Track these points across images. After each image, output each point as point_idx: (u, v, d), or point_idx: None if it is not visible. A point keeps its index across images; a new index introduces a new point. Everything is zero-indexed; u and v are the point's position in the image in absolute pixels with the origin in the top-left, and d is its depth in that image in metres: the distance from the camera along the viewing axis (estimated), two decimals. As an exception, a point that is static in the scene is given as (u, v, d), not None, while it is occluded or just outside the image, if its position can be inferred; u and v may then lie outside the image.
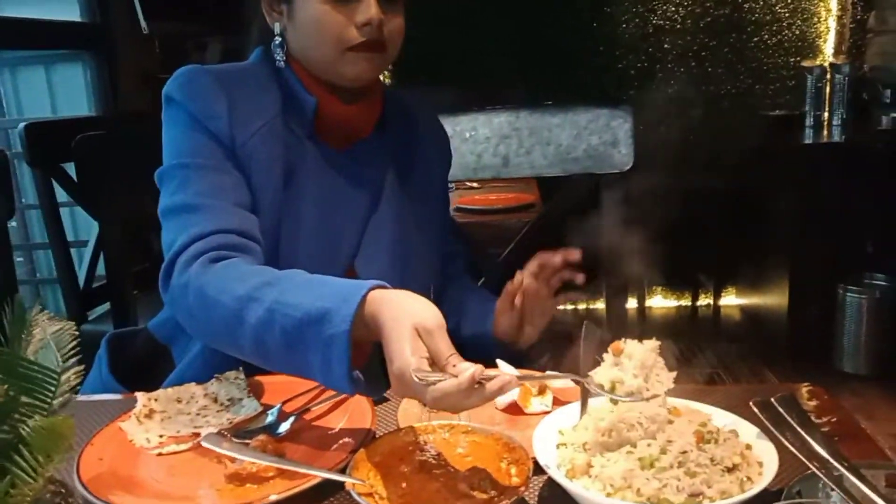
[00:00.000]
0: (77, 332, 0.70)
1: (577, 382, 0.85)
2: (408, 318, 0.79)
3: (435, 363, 0.76)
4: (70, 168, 2.10)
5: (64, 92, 3.43)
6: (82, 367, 0.68)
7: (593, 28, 3.91)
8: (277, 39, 1.15)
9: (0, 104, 3.52)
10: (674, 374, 0.82)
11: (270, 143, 1.12)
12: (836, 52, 3.81)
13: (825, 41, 3.83)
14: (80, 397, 1.12)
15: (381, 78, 1.24)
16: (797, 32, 3.83)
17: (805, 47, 3.85)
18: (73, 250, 2.15)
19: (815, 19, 3.82)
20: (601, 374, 0.82)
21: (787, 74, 3.86)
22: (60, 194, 2.09)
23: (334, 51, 1.09)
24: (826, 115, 3.60)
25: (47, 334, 0.68)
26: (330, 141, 1.19)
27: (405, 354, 0.76)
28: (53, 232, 2.08)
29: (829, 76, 3.58)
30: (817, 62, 3.77)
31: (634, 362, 0.81)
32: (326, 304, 0.84)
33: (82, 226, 3.08)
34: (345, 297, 0.84)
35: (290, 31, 1.14)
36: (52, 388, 0.63)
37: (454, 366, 0.75)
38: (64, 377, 0.65)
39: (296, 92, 1.15)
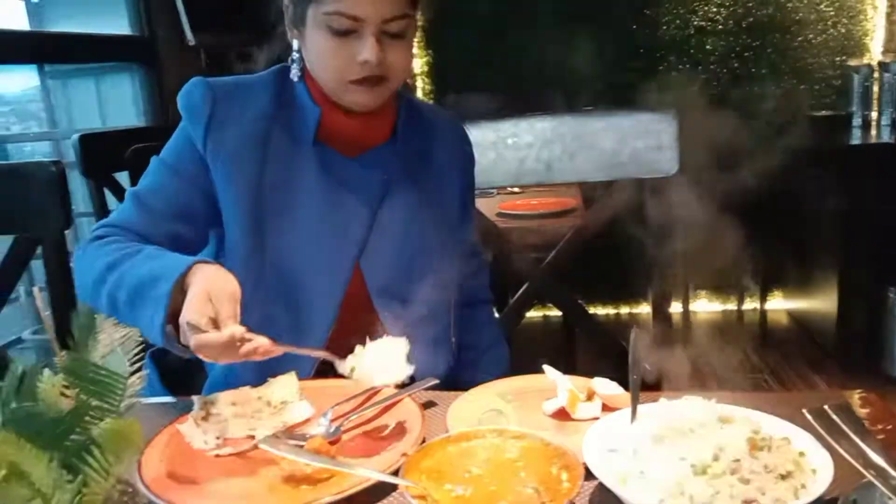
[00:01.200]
0: (141, 339, 0.73)
1: (331, 361, 1.05)
2: (205, 283, 0.98)
3: (216, 323, 0.94)
4: (120, 178, 2.17)
5: (113, 103, 3.53)
6: (147, 371, 0.71)
7: (633, 31, 3.89)
8: (296, 55, 1.22)
9: (52, 116, 3.64)
10: (411, 368, 1.03)
11: (247, 145, 1.20)
12: (885, 50, 3.72)
13: (872, 39, 3.75)
14: (154, 399, 1.17)
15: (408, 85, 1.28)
16: (843, 31, 3.76)
17: (851, 46, 3.77)
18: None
19: (862, 17, 3.74)
20: (348, 360, 1.03)
21: (833, 74, 3.78)
22: (110, 203, 2.16)
23: (336, 82, 1.17)
24: (874, 114, 3.52)
25: (113, 340, 0.71)
26: (338, 147, 1.24)
27: (189, 309, 0.95)
28: (106, 239, 2.15)
29: (876, 75, 3.51)
30: (864, 61, 3.68)
31: (374, 354, 1.03)
32: (159, 271, 1.02)
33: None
34: (174, 267, 1.01)
35: (304, 51, 1.21)
36: (120, 392, 0.66)
37: (225, 325, 0.94)
38: (129, 381, 0.68)
39: (302, 102, 1.23)
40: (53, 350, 0.66)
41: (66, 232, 1.50)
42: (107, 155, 2.13)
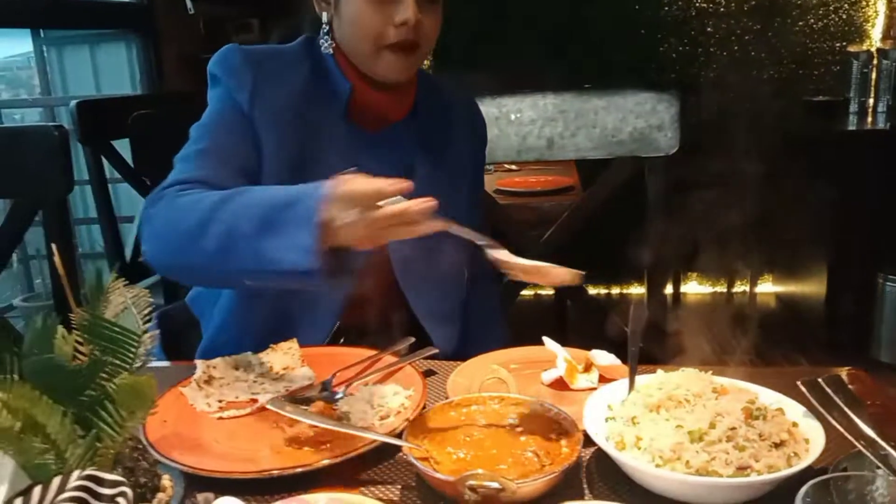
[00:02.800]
0: (151, 299, 0.75)
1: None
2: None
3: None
4: (118, 145, 2.16)
5: (108, 71, 3.50)
6: (158, 331, 0.72)
7: (635, 11, 3.88)
8: (325, 28, 1.21)
9: (47, 82, 3.61)
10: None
11: (288, 115, 1.18)
12: (884, 37, 3.73)
13: (872, 25, 3.75)
14: (154, 363, 1.18)
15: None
16: (843, 17, 3.76)
17: (851, 31, 3.77)
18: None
19: (863, 3, 3.74)
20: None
21: (833, 59, 3.79)
22: (108, 171, 2.15)
23: (371, 48, 1.15)
24: (871, 101, 3.53)
25: (126, 299, 0.72)
26: (362, 123, 1.24)
27: (361, 182, 0.89)
28: (103, 207, 2.14)
29: (875, 61, 3.51)
30: (864, 47, 3.69)
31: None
32: (294, 194, 0.94)
33: (124, 203, 3.16)
34: (310, 188, 0.93)
35: (335, 23, 1.20)
36: (134, 349, 0.67)
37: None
38: (142, 339, 0.69)
39: (333, 76, 1.21)
40: (68, 310, 0.67)
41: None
42: (105, 122, 2.12)
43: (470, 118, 1.40)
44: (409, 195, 1.23)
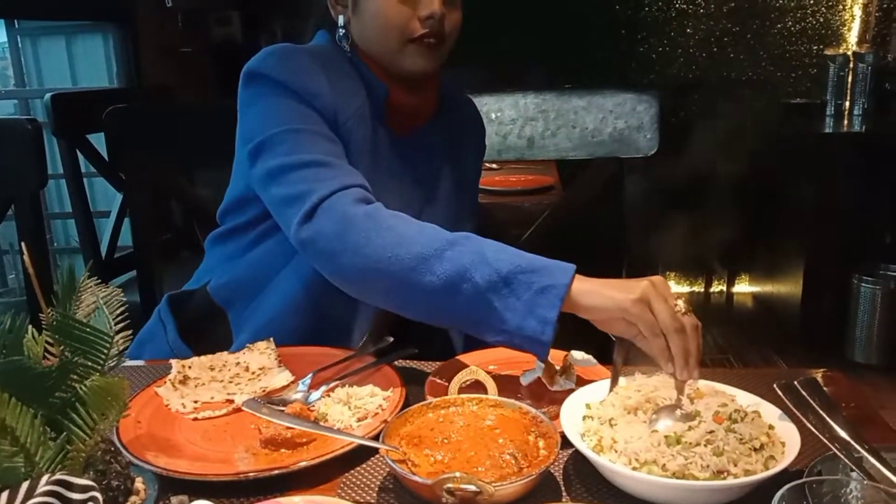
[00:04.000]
0: (124, 298, 0.73)
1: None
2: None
3: None
4: (93, 139, 2.13)
5: (84, 63, 3.46)
6: (130, 331, 0.71)
7: (615, 11, 3.89)
8: (341, 31, 1.18)
9: (21, 74, 3.55)
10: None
11: (362, 125, 1.15)
12: (860, 41, 3.78)
13: (849, 29, 3.80)
14: (129, 362, 1.15)
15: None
16: (821, 20, 3.80)
17: (829, 35, 3.81)
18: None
19: (840, 7, 3.78)
20: None
21: (810, 62, 3.83)
22: (83, 165, 2.12)
23: (397, 42, 1.13)
24: (847, 104, 3.58)
25: (98, 299, 0.71)
26: (392, 127, 1.22)
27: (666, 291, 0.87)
28: (78, 201, 2.11)
29: (851, 65, 3.56)
30: (840, 50, 3.74)
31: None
32: (542, 262, 0.91)
33: (99, 197, 3.12)
34: (560, 264, 0.91)
35: (354, 23, 1.17)
36: (105, 350, 0.66)
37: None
38: (115, 340, 0.68)
39: (370, 78, 1.18)
40: (40, 307, 0.66)
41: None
42: (80, 116, 2.09)
43: (474, 116, 1.41)
44: (439, 195, 1.24)
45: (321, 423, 0.90)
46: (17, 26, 3.45)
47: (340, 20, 1.18)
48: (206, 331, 1.23)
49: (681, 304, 0.87)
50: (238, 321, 1.22)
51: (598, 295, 0.88)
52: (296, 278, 1.17)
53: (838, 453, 0.72)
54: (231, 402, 0.98)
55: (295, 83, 1.10)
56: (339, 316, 1.19)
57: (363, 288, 1.01)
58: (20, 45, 3.51)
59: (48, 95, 2.04)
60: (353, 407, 0.94)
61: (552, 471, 0.82)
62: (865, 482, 0.68)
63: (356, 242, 0.96)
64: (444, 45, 1.15)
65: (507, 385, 1.03)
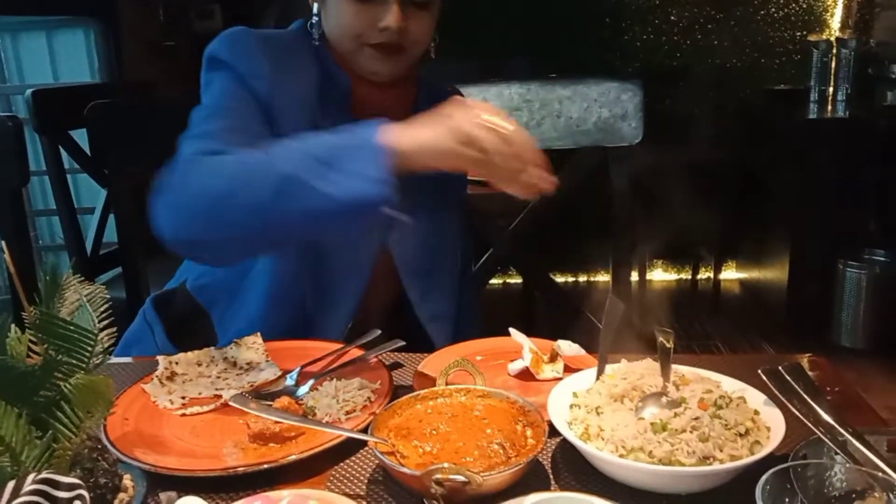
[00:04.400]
0: (108, 296, 0.73)
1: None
2: None
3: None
4: (75, 135, 2.11)
5: (66, 59, 3.42)
6: (115, 329, 0.70)
7: (599, -1, 3.89)
8: (315, 18, 1.18)
9: (1, 70, 3.51)
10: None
11: (303, 112, 1.14)
12: (843, 27, 3.79)
13: (832, 15, 3.81)
14: (115, 359, 1.14)
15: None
16: (804, 6, 3.81)
17: (812, 21, 3.83)
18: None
19: (823, -8, 3.80)
20: None
21: (793, 48, 3.85)
22: (65, 161, 2.10)
23: (354, 45, 1.13)
24: (831, 90, 3.59)
25: (81, 297, 0.70)
26: (367, 119, 1.21)
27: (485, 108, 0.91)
28: (61, 198, 2.09)
29: (835, 51, 3.57)
30: (823, 36, 3.75)
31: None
32: (355, 131, 0.94)
33: (83, 193, 3.09)
34: (367, 125, 0.93)
35: (323, 16, 1.18)
36: (90, 348, 0.65)
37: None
38: (99, 337, 0.68)
39: (332, 69, 1.18)
40: (22, 306, 0.65)
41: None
42: (62, 111, 2.07)
43: None
44: (415, 197, 1.23)
45: (309, 417, 0.91)
46: (-5, 22, 3.41)
47: (315, 7, 1.18)
48: (193, 331, 1.23)
49: (507, 125, 0.90)
50: (222, 321, 1.23)
51: (415, 134, 0.92)
52: (269, 273, 1.18)
53: (823, 437, 0.73)
54: (219, 397, 0.98)
55: (238, 63, 1.12)
56: (318, 307, 1.20)
57: (196, 246, 1.01)
58: (0, 40, 3.47)
59: (29, 91, 2.02)
60: (342, 400, 0.94)
61: (540, 459, 0.82)
62: (849, 465, 0.69)
63: (178, 200, 0.98)
64: (405, 53, 1.15)
65: (495, 374, 1.03)
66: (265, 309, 1.18)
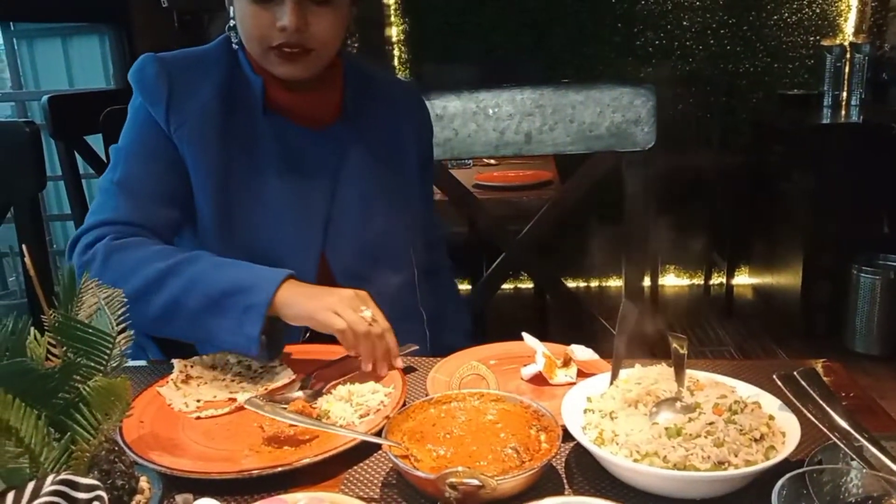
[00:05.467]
0: (126, 299, 0.73)
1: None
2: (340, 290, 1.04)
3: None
4: (91, 140, 2.13)
5: (81, 65, 3.45)
6: (132, 332, 0.71)
7: (612, 5, 3.89)
8: (231, 23, 1.19)
9: (18, 76, 3.55)
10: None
11: (207, 123, 1.17)
12: (857, 32, 3.78)
13: (846, 20, 3.80)
14: (130, 363, 1.15)
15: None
16: (817, 11, 3.80)
17: (825, 26, 3.81)
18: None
19: (836, -3, 3.79)
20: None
21: (807, 53, 3.84)
22: (81, 167, 2.12)
23: (258, 48, 1.14)
24: (844, 95, 3.58)
25: (99, 300, 0.71)
26: (295, 119, 1.22)
27: (352, 302, 1.02)
28: (77, 203, 2.11)
29: (848, 55, 3.56)
30: (837, 41, 3.74)
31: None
32: (248, 281, 1.02)
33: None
34: (266, 278, 1.03)
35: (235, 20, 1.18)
36: (108, 351, 0.66)
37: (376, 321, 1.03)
38: (117, 340, 0.68)
39: (245, 71, 1.20)
40: (42, 309, 0.66)
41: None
42: (78, 117, 2.09)
43: (411, 108, 1.37)
44: (352, 195, 1.24)
45: (323, 421, 0.91)
46: (12, 28, 3.45)
47: (231, 11, 1.18)
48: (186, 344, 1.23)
49: (368, 313, 1.01)
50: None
51: (295, 306, 1.01)
52: None
53: (838, 442, 0.72)
54: (233, 400, 0.99)
55: (141, 92, 1.18)
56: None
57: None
58: (16, 47, 3.50)
59: (45, 97, 2.04)
60: (355, 404, 0.94)
61: (554, 464, 0.82)
62: (865, 471, 0.68)
63: (100, 277, 1.04)
64: (312, 53, 1.13)
65: (508, 379, 1.04)
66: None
